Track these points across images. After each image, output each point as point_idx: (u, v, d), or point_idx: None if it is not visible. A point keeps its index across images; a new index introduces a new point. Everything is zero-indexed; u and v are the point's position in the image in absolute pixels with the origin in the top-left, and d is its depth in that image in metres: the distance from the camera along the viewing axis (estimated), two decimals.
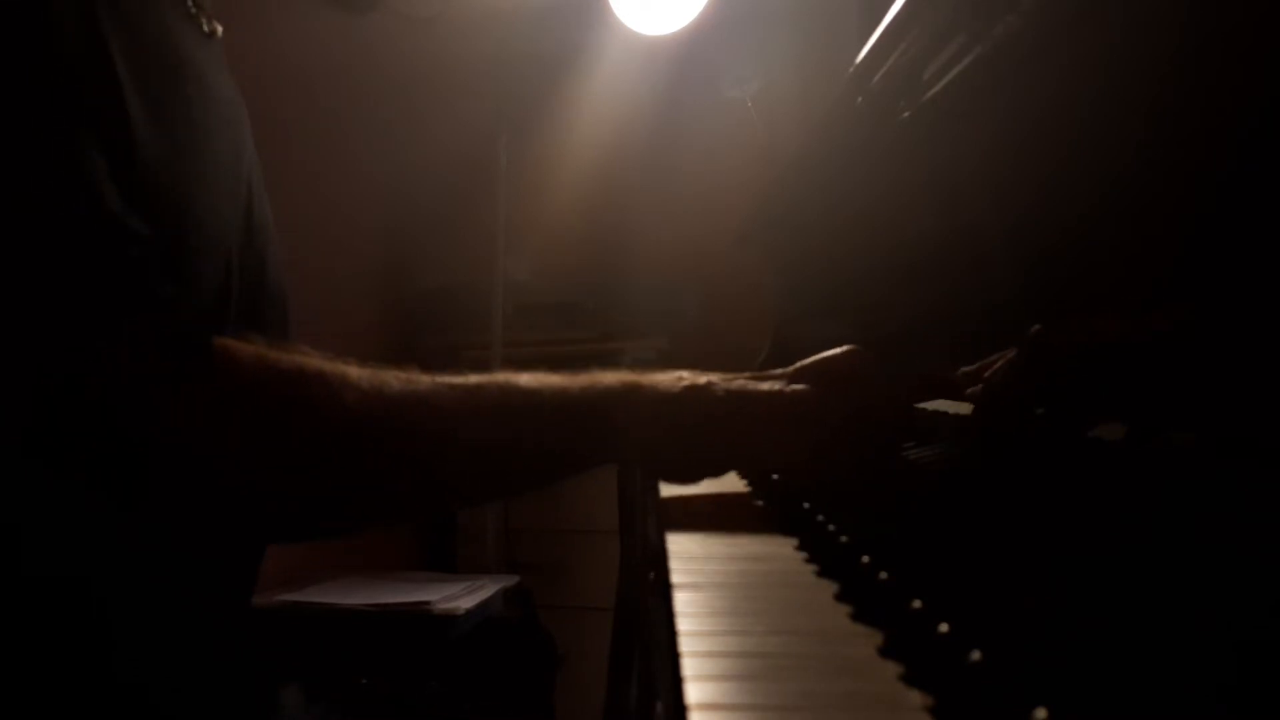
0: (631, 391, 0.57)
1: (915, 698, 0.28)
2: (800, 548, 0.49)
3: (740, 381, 0.60)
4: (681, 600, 0.38)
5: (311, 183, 1.82)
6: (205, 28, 0.66)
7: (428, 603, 1.46)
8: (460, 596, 1.54)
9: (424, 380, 0.54)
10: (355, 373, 0.52)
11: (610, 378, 0.58)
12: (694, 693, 0.28)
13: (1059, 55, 0.52)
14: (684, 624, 0.35)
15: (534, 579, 1.90)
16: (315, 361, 0.52)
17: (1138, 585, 0.32)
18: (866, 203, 0.90)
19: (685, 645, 0.32)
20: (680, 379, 0.58)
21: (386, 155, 2.19)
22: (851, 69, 0.78)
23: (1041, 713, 0.23)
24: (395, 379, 0.53)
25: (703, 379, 0.59)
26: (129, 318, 0.47)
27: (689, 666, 0.30)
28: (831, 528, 0.48)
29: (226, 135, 0.64)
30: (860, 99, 0.80)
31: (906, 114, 0.72)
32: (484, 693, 0.87)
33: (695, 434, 0.57)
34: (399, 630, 1.45)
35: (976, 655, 0.27)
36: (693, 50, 2.09)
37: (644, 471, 0.61)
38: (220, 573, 0.62)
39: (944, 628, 0.29)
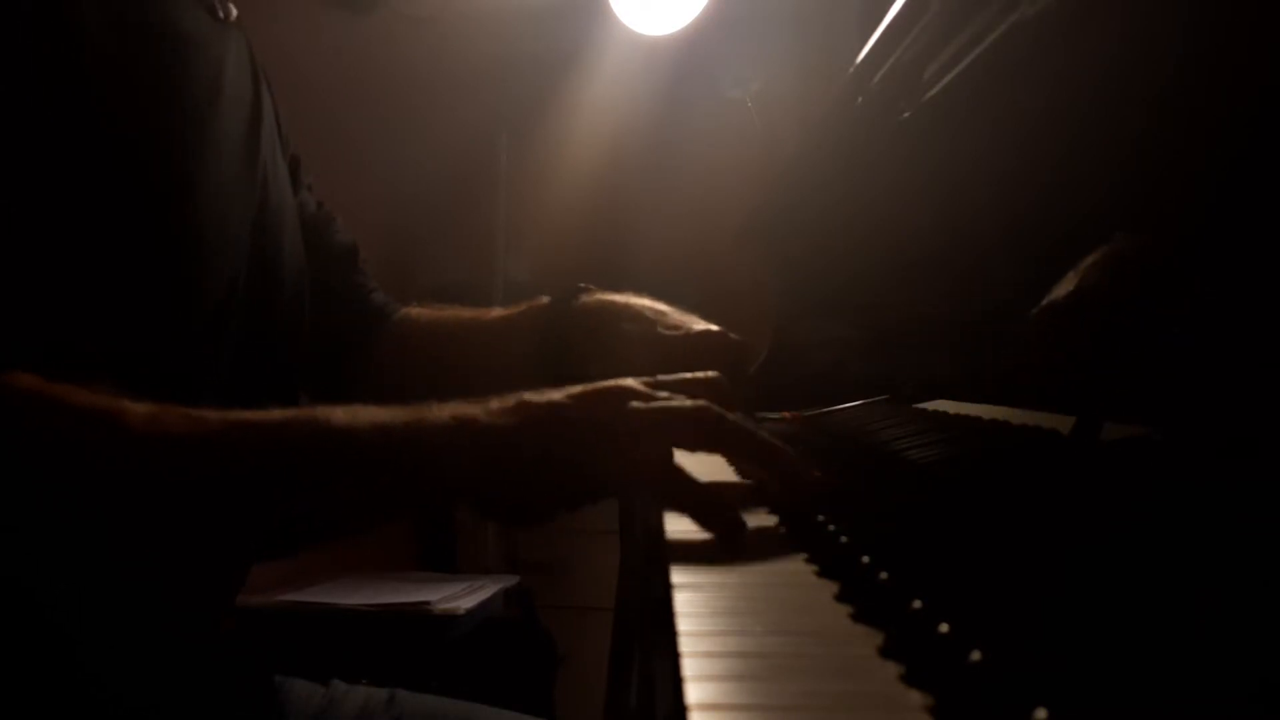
0: (461, 427, 0.49)
1: (915, 698, 0.28)
2: (800, 548, 0.49)
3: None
4: (681, 600, 0.38)
5: (312, 182, 1.82)
6: (220, 12, 0.65)
7: (428, 603, 1.46)
8: (460, 596, 1.54)
9: (213, 418, 0.48)
10: (132, 409, 0.47)
11: (440, 412, 0.50)
12: (694, 693, 0.28)
13: (1059, 55, 0.52)
14: (684, 624, 0.35)
15: (534, 579, 1.90)
16: (91, 397, 0.47)
17: (1138, 585, 0.32)
18: (866, 202, 0.90)
19: (685, 645, 0.32)
20: (522, 404, 0.50)
21: (386, 155, 2.19)
22: (851, 69, 0.78)
23: (1041, 713, 0.23)
24: (181, 417, 0.47)
25: (545, 399, 0.51)
26: None
27: (689, 666, 0.30)
28: (832, 528, 0.48)
29: (238, 117, 0.64)
30: (860, 99, 0.80)
31: (906, 114, 0.73)
32: (484, 693, 0.87)
33: (529, 472, 0.49)
34: (399, 630, 1.45)
35: (976, 655, 0.27)
36: (693, 50, 2.09)
37: (480, 513, 0.51)
38: (191, 577, 0.62)
39: (944, 628, 0.29)
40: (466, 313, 0.89)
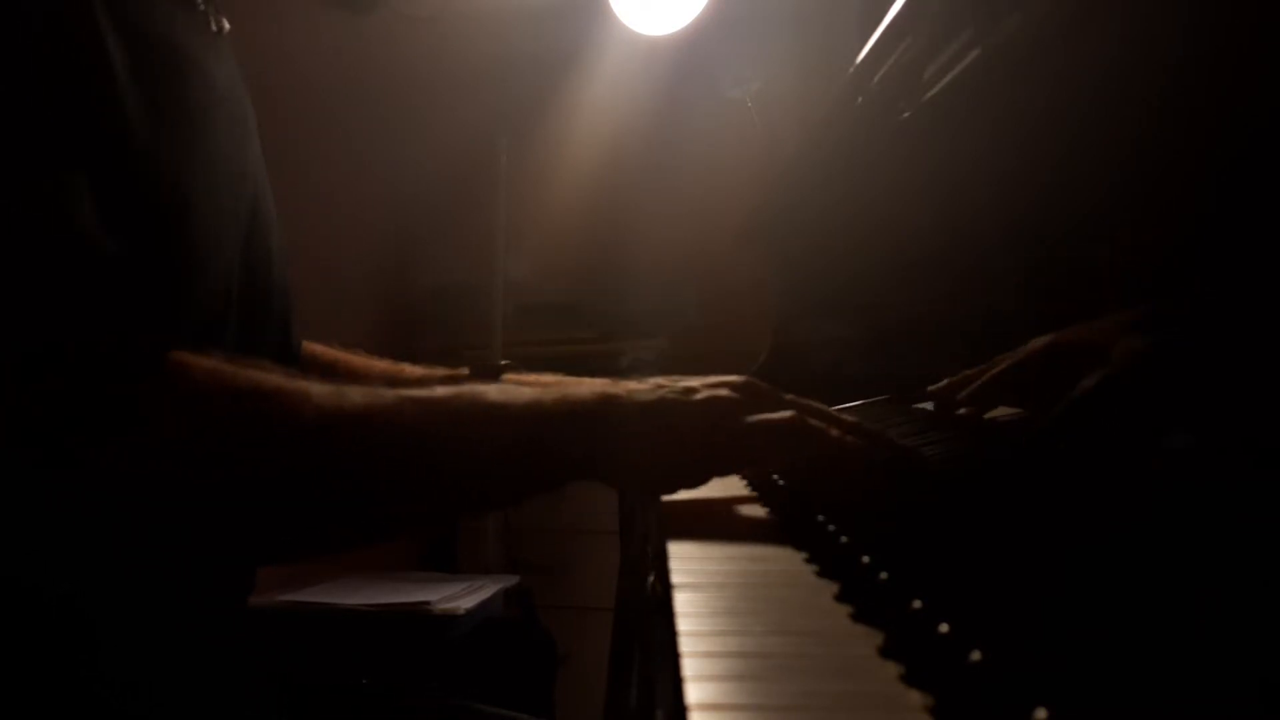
0: (606, 404, 0.55)
1: (915, 698, 0.28)
2: (800, 548, 0.49)
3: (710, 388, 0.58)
4: (681, 600, 0.38)
5: (312, 183, 1.82)
6: (213, 24, 0.65)
7: (428, 603, 1.46)
8: (460, 596, 1.54)
9: (388, 394, 0.51)
10: (315, 388, 0.49)
11: (584, 390, 0.55)
12: (694, 693, 0.28)
13: (1059, 55, 0.52)
14: (684, 624, 0.35)
15: (534, 579, 1.90)
16: (273, 377, 0.49)
17: (1138, 585, 0.32)
18: (866, 202, 0.90)
19: (685, 645, 0.32)
20: (658, 387, 0.56)
21: (387, 155, 2.19)
22: (851, 69, 0.78)
23: (1041, 713, 0.23)
24: (358, 393, 0.50)
25: (680, 385, 0.57)
26: (83, 338, 0.45)
27: (689, 666, 0.30)
28: (832, 528, 0.48)
29: (231, 130, 0.64)
30: (860, 99, 0.80)
31: (906, 114, 0.73)
32: (484, 693, 0.87)
33: (670, 445, 0.55)
34: (399, 630, 1.45)
35: (976, 655, 0.27)
36: (693, 50, 2.09)
37: (622, 485, 0.57)
38: (210, 577, 0.62)
39: (944, 628, 0.29)
40: (381, 362, 0.90)
